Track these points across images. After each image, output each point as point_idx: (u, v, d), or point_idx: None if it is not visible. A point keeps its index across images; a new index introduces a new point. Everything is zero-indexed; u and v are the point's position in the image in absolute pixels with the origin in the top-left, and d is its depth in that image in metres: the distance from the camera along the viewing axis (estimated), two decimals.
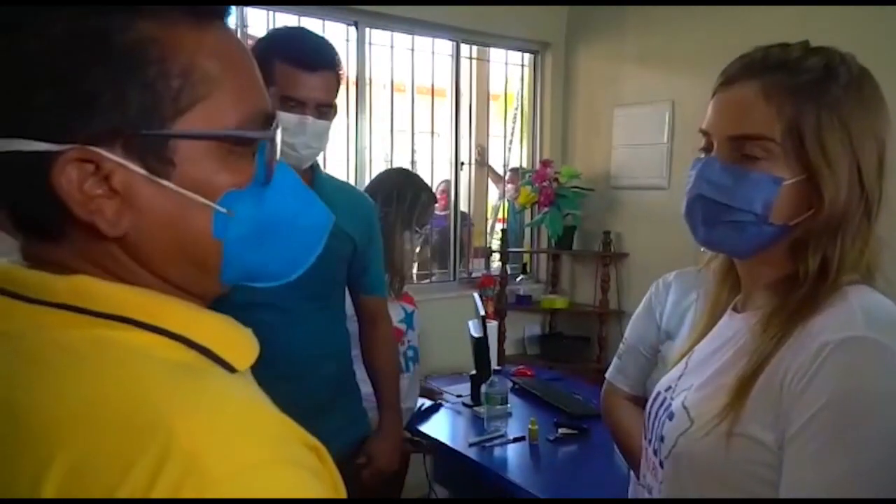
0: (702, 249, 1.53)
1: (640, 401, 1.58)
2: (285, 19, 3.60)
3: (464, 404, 2.70)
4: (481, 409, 2.54)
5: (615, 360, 1.62)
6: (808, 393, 0.77)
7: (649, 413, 1.01)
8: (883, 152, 0.87)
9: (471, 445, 2.29)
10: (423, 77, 4.14)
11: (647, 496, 1.00)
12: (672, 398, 0.96)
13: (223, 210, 0.54)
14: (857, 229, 0.85)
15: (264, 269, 0.62)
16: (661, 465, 0.93)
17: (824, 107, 0.84)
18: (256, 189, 0.56)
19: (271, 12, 3.53)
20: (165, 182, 0.52)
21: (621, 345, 1.62)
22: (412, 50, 4.08)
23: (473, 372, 2.74)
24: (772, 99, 0.85)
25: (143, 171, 0.51)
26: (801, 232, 0.86)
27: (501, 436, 2.35)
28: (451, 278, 4.37)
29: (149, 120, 0.51)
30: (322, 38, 1.61)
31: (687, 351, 1.04)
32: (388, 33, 3.92)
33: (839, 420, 0.76)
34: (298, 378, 1.57)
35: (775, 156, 0.85)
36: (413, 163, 4.16)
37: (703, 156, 0.92)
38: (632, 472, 1.57)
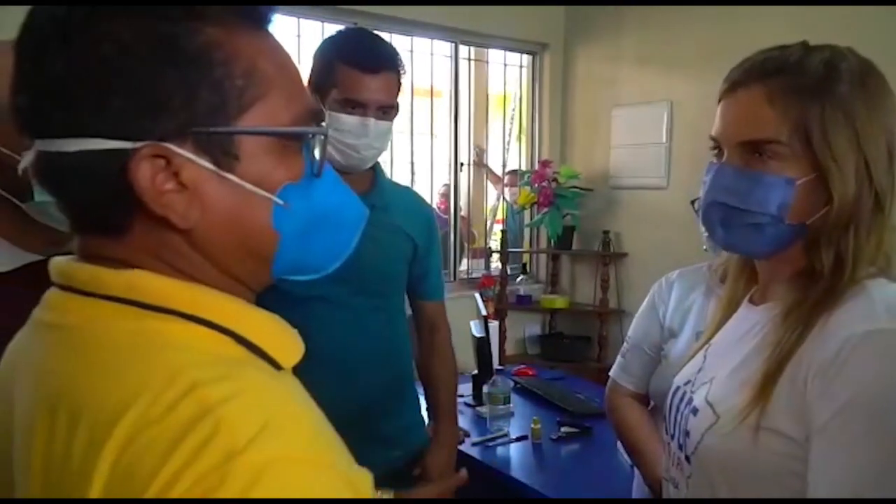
0: (704, 248, 1.54)
1: (644, 398, 1.59)
2: (284, 21, 3.61)
3: (466, 404, 2.71)
4: (484, 409, 2.55)
5: (619, 358, 1.63)
6: (834, 386, 0.78)
7: (669, 407, 1.02)
8: (893, 144, 0.87)
9: (474, 445, 2.31)
10: (422, 78, 4.16)
11: (672, 490, 1.00)
12: (693, 392, 0.96)
13: (281, 203, 0.57)
14: (870, 223, 0.86)
15: (308, 262, 0.64)
16: (688, 459, 0.94)
17: (828, 105, 0.84)
18: (307, 182, 0.60)
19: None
20: (231, 176, 0.55)
21: (625, 343, 1.63)
22: (411, 51, 4.10)
23: (475, 372, 2.75)
24: (775, 102, 0.86)
25: (211, 166, 0.54)
26: (815, 228, 0.87)
27: (504, 435, 2.36)
28: (451, 279, 4.39)
29: (216, 118, 0.54)
30: (382, 39, 1.60)
31: (703, 344, 1.04)
32: (386, 35, 3.92)
33: (867, 412, 0.77)
34: (352, 377, 1.56)
35: (785, 157, 0.86)
36: (412, 164, 4.18)
37: (715, 161, 0.93)
38: (636, 470, 1.58)
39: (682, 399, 0.99)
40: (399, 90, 1.57)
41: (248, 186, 0.55)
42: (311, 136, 0.60)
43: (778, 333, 0.86)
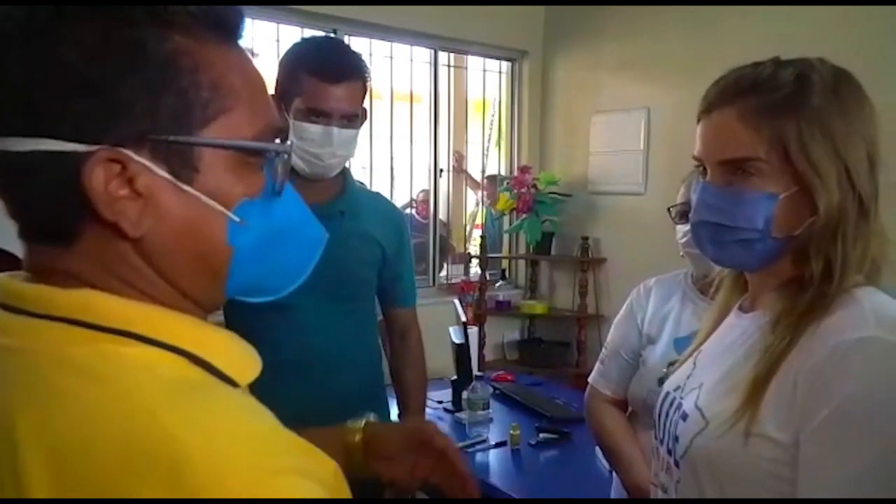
0: (681, 254, 1.56)
1: (623, 404, 1.60)
2: (264, 27, 3.60)
3: (445, 410, 2.71)
4: (463, 415, 2.55)
5: (598, 364, 1.64)
6: (824, 393, 0.79)
7: (659, 413, 1.03)
8: (872, 150, 0.88)
9: None
10: (402, 84, 4.16)
11: (661, 495, 1.01)
12: (682, 398, 0.97)
13: (237, 219, 0.56)
14: (856, 229, 0.86)
15: (263, 282, 0.63)
16: (677, 464, 0.95)
17: (803, 119, 0.85)
18: (266, 200, 0.59)
19: (250, 20, 3.52)
20: (188, 188, 0.54)
21: (603, 349, 1.64)
22: (391, 57, 4.10)
23: (455, 377, 2.75)
24: (748, 121, 0.87)
25: (168, 176, 0.53)
26: (802, 239, 0.88)
27: (483, 441, 2.36)
28: (430, 284, 4.39)
29: (178, 127, 0.53)
30: (347, 47, 1.61)
31: (694, 350, 1.05)
32: (366, 40, 3.93)
33: (856, 418, 0.78)
34: (321, 382, 1.56)
35: (765, 173, 0.87)
36: (391, 169, 4.18)
37: (701, 178, 0.94)
38: (614, 475, 1.59)
39: (671, 404, 1.00)
40: (364, 97, 1.57)
41: (205, 199, 0.54)
42: (272, 153, 0.59)
43: (767, 340, 0.87)
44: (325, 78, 1.47)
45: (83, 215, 0.52)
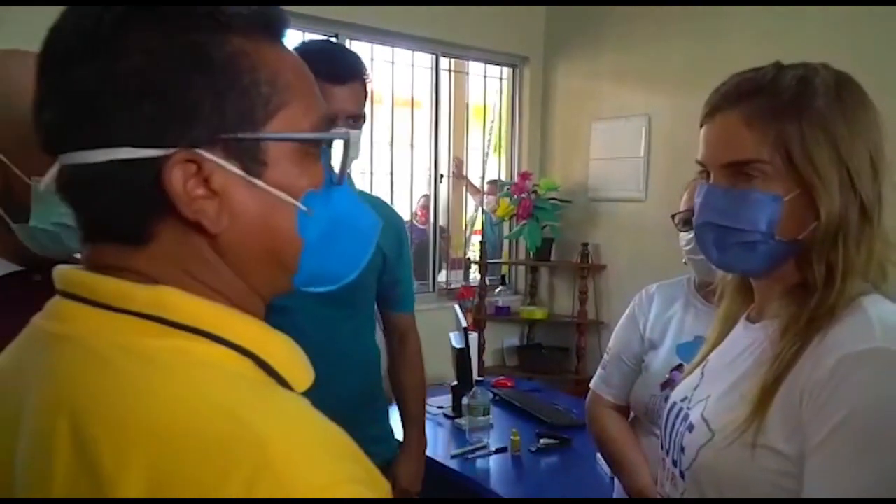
0: (683, 261, 1.56)
1: (625, 409, 1.60)
2: None
3: (445, 415, 2.71)
4: (463, 421, 2.55)
5: (599, 370, 1.64)
6: (830, 405, 0.78)
7: (665, 423, 1.02)
8: (876, 155, 0.88)
9: (453, 457, 2.30)
10: (403, 89, 4.17)
11: None
12: (689, 408, 0.96)
13: (305, 209, 0.58)
14: (859, 235, 0.86)
15: (328, 270, 0.65)
16: (682, 476, 0.94)
17: (806, 122, 0.85)
18: (327, 190, 0.61)
19: None
20: (259, 182, 0.56)
21: (605, 355, 1.64)
22: (392, 62, 4.11)
23: (455, 383, 2.74)
24: (753, 125, 0.87)
25: (241, 172, 0.55)
26: (807, 243, 0.87)
27: (484, 447, 2.36)
28: (430, 289, 4.39)
29: (244, 124, 0.55)
30: (346, 49, 1.63)
31: (701, 360, 1.04)
32: (368, 45, 3.94)
33: (862, 431, 0.77)
34: (320, 387, 1.55)
35: (769, 175, 0.86)
36: (391, 174, 4.18)
37: (705, 182, 0.94)
38: (615, 481, 1.59)
39: (678, 415, 0.99)
40: (366, 98, 1.58)
41: (276, 192, 0.56)
42: (327, 143, 0.61)
43: (776, 349, 0.86)
44: (330, 79, 1.47)
45: (161, 217, 0.54)
